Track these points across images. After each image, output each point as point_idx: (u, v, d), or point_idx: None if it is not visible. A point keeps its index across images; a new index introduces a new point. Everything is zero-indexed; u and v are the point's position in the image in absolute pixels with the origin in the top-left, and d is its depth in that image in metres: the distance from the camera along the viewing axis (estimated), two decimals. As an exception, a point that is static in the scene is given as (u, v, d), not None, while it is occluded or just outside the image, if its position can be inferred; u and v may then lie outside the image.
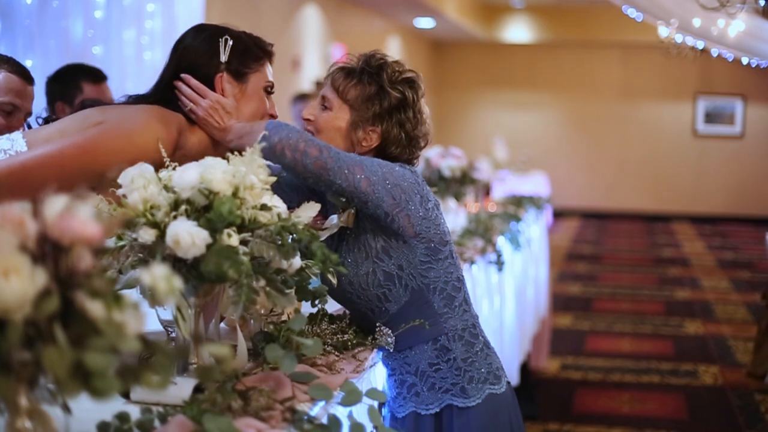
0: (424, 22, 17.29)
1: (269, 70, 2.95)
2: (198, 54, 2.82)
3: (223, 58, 2.81)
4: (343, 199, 2.69)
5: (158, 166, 2.65)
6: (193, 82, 2.78)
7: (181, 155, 2.76)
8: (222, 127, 2.75)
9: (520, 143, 19.09)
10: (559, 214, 18.38)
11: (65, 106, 4.61)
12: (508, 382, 2.89)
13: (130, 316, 1.43)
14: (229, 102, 2.79)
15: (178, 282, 1.44)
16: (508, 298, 5.59)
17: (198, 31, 2.90)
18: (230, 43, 2.83)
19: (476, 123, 20.66)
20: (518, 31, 20.36)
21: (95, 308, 1.40)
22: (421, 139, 2.84)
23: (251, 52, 2.89)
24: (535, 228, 7.36)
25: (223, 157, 2.87)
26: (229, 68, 2.82)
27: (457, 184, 6.06)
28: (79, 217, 1.45)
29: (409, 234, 2.70)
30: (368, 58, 2.83)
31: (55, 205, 1.47)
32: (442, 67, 20.98)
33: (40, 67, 5.26)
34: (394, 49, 17.54)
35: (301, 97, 8.59)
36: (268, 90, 2.92)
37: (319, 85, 12.73)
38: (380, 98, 2.76)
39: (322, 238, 2.74)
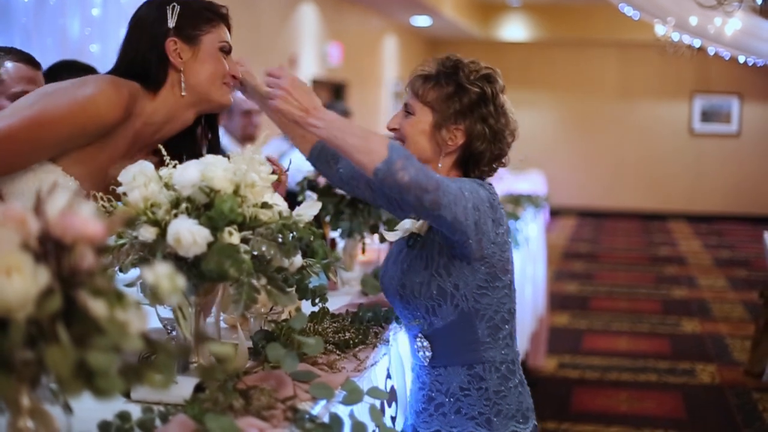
0: (421, 21, 17.28)
1: (225, 33, 2.98)
2: (148, 23, 2.85)
3: (171, 23, 2.83)
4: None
5: (112, 128, 2.71)
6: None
7: (142, 123, 2.82)
8: (303, 107, 2.66)
9: (516, 142, 19.03)
10: (555, 213, 18.36)
11: None
12: (536, 425, 2.86)
13: (133, 315, 1.42)
14: (307, 85, 2.73)
15: (180, 280, 1.43)
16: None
17: (149, 2, 2.91)
18: (177, 8, 2.85)
19: (473, 121, 20.62)
20: (515, 29, 20.36)
21: (98, 307, 1.39)
22: (507, 134, 2.81)
23: (202, 15, 2.92)
24: (533, 227, 7.35)
25: (187, 125, 2.91)
26: (180, 33, 2.85)
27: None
28: (81, 215, 1.44)
29: (475, 256, 2.67)
30: (443, 60, 2.83)
31: (57, 203, 1.46)
32: (438, 65, 20.95)
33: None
34: (390, 48, 17.54)
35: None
36: (225, 50, 2.96)
37: (316, 83, 12.73)
38: (459, 96, 2.75)
39: (392, 240, 2.80)
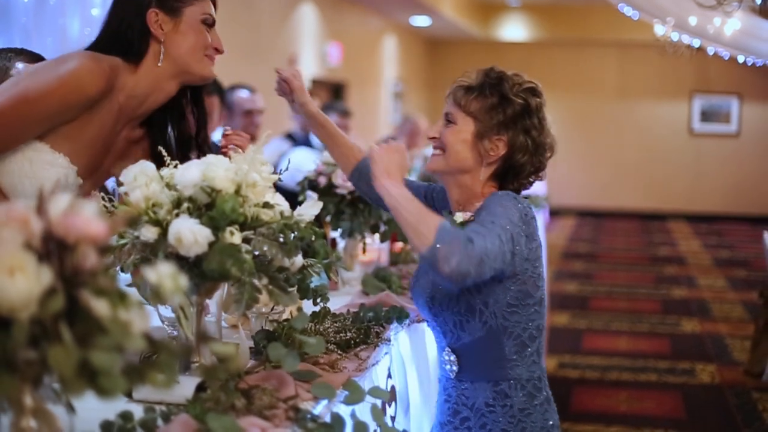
0: (420, 21, 17.29)
1: (209, 6, 2.98)
2: None
3: None
4: (458, 222, 2.71)
5: (95, 101, 2.73)
6: None
7: (125, 96, 2.82)
8: (392, 176, 2.57)
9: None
10: (555, 213, 18.35)
11: None
12: None
13: (135, 315, 1.42)
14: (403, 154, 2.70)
15: (183, 280, 1.43)
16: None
17: None
18: None
19: (472, 121, 20.61)
20: (514, 29, 20.37)
21: (100, 307, 1.39)
22: (547, 147, 2.81)
23: None
24: (533, 226, 7.34)
25: (170, 96, 2.91)
26: (162, 5, 2.85)
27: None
28: (83, 215, 1.44)
29: (507, 273, 2.63)
30: (487, 71, 2.81)
31: (60, 203, 1.46)
32: (437, 65, 20.97)
33: (38, 65, 5.26)
34: (390, 48, 17.54)
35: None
36: (207, 22, 2.95)
37: (315, 82, 12.74)
38: (503, 107, 2.74)
39: None
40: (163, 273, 1.42)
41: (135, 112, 2.89)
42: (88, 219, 1.42)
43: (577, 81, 21.00)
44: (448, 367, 2.79)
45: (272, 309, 2.65)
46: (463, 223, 2.68)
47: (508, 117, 2.72)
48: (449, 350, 2.77)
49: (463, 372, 2.76)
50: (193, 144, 3.03)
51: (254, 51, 10.75)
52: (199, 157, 2.39)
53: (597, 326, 9.53)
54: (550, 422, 2.80)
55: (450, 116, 2.79)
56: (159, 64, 2.84)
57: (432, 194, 3.05)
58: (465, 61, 21.11)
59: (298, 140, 7.73)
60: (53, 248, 1.43)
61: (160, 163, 2.30)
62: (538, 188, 11.40)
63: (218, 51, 2.98)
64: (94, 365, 1.33)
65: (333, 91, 14.32)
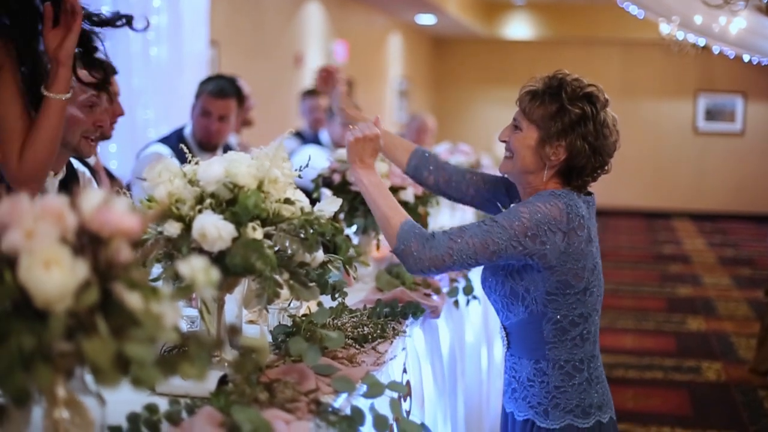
0: (426, 19, 17.31)
1: None
2: None
3: None
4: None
5: None
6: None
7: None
8: (358, 157, 2.90)
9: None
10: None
11: None
12: (601, 422, 2.98)
13: (167, 308, 1.45)
14: (378, 143, 2.96)
15: (215, 274, 1.46)
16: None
17: None
18: None
19: (477, 120, 20.66)
20: (519, 28, 20.37)
21: (134, 300, 1.42)
22: (608, 146, 2.95)
23: None
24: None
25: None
26: None
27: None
28: (116, 209, 1.47)
29: (542, 267, 2.84)
30: (550, 78, 2.95)
31: (93, 198, 1.49)
32: (443, 63, 21.00)
33: (48, 63, 5.27)
34: (395, 46, 17.56)
35: (309, 93, 8.59)
36: None
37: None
38: (561, 115, 2.89)
39: None
40: (196, 267, 1.45)
41: None
42: (121, 213, 1.45)
43: (582, 79, 21.00)
44: (503, 342, 3.06)
45: (289, 304, 2.67)
46: None
47: (566, 125, 2.88)
48: (502, 327, 3.03)
49: (512, 348, 3.03)
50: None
51: (260, 49, 10.78)
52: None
53: (603, 324, 9.43)
54: (588, 402, 2.96)
55: (517, 122, 2.98)
56: None
57: (508, 182, 3.22)
58: (470, 60, 21.16)
59: (306, 138, 7.75)
60: (86, 242, 1.46)
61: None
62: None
63: None
64: (130, 357, 1.35)
65: (339, 89, 14.32)
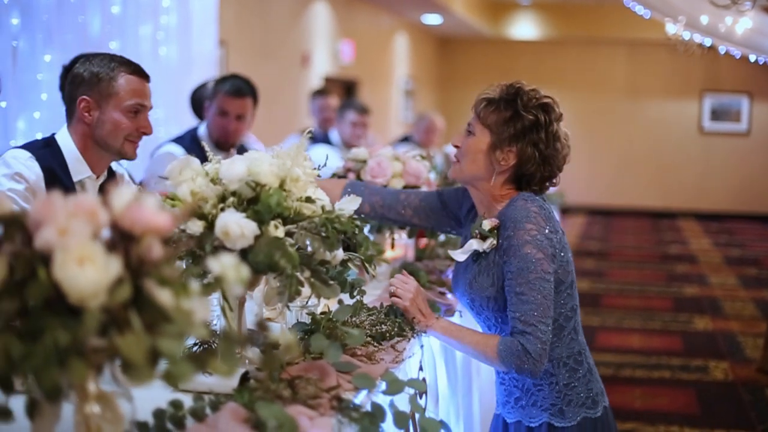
0: (432, 19, 17.32)
1: None
2: None
3: None
4: (487, 229, 2.93)
5: None
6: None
7: None
8: (424, 313, 2.94)
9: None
10: (565, 211, 18.39)
11: None
12: (606, 407, 3.08)
13: (197, 304, 1.47)
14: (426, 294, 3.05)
15: (245, 270, 1.48)
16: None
17: None
18: None
19: (482, 119, 20.59)
20: (525, 27, 20.37)
21: (165, 296, 1.44)
22: (558, 158, 3.02)
23: None
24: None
25: None
26: None
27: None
28: (147, 207, 1.49)
29: (549, 270, 2.89)
30: (507, 87, 3.03)
31: (124, 196, 1.51)
32: (448, 63, 21.02)
33: (59, 62, 5.29)
34: (401, 46, 17.58)
35: (319, 93, 8.62)
36: None
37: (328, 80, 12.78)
38: (515, 121, 2.96)
39: (461, 259, 3.01)
40: (226, 264, 1.47)
41: None
42: (152, 211, 1.47)
43: (588, 79, 21.02)
44: None
45: (307, 302, 2.69)
46: (492, 230, 2.93)
47: (518, 130, 2.96)
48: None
49: None
50: None
51: (267, 48, 10.80)
52: None
53: (610, 323, 9.55)
54: (594, 392, 3.06)
55: (471, 127, 3.06)
56: None
57: (443, 196, 3.33)
58: (476, 60, 21.17)
59: (316, 137, 7.77)
60: (117, 239, 1.47)
61: None
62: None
63: None
64: (163, 352, 1.37)
65: (345, 89, 14.36)
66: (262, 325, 1.50)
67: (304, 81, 12.03)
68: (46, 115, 5.36)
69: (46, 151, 3.29)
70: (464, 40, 20.85)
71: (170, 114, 6.76)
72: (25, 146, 3.37)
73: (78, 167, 3.32)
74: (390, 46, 16.91)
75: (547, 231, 2.88)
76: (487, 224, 2.94)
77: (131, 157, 3.33)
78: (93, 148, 3.33)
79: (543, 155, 2.96)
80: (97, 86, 3.26)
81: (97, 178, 3.37)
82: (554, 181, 3.09)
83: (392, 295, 2.91)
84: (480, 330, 3.06)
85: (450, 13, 15.93)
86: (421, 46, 19.15)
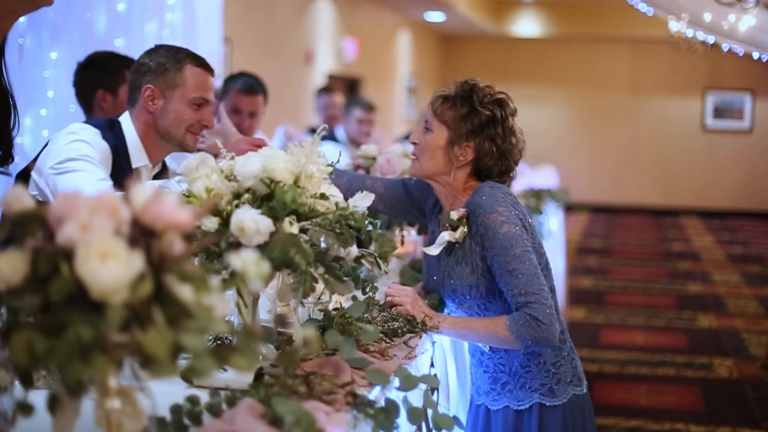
0: (435, 16, 17.33)
1: None
2: None
3: None
4: (455, 219, 2.99)
5: None
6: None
7: None
8: (428, 314, 2.94)
9: (528, 137, 19.05)
10: (568, 208, 18.39)
11: (107, 94, 4.57)
12: (588, 386, 3.18)
13: (217, 300, 1.47)
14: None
15: (266, 266, 1.48)
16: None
17: None
18: None
19: (485, 117, 20.58)
20: (528, 25, 20.37)
21: (186, 292, 1.44)
22: (515, 153, 3.12)
23: None
24: (553, 221, 7.39)
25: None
26: None
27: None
28: (168, 203, 1.49)
29: None
30: (462, 84, 3.11)
31: (144, 192, 1.51)
32: (451, 60, 21.01)
33: (65, 59, 5.31)
34: (404, 43, 17.59)
35: (324, 90, 8.63)
36: None
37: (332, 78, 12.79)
38: (472, 117, 3.04)
39: (435, 253, 3.04)
40: (247, 259, 1.48)
41: None
42: (174, 207, 1.48)
43: (590, 77, 21.02)
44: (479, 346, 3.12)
45: (319, 298, 2.70)
46: (460, 219, 3.00)
47: (475, 126, 3.04)
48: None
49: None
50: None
51: (271, 46, 10.81)
52: None
53: (614, 321, 9.56)
54: (579, 369, 3.16)
55: (428, 123, 3.11)
56: None
57: (409, 186, 3.39)
58: (478, 57, 21.16)
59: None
60: (138, 235, 1.48)
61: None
62: (550, 183, 11.44)
63: None
64: (186, 348, 1.38)
65: (349, 87, 14.37)
66: (281, 320, 1.51)
67: (307, 78, 12.05)
68: (52, 112, 5.36)
69: (110, 133, 3.31)
70: (467, 37, 20.86)
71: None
72: (90, 123, 3.38)
73: (137, 154, 3.34)
74: (393, 43, 16.92)
75: (516, 212, 2.98)
76: (455, 215, 3.02)
77: (192, 150, 3.33)
78: (153, 137, 3.36)
79: (500, 149, 3.06)
80: (163, 76, 3.28)
81: (153, 168, 3.39)
82: (512, 174, 3.18)
83: (392, 305, 2.93)
84: None
85: (453, 10, 15.94)
86: (424, 43, 19.16)
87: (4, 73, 2.84)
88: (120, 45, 6.17)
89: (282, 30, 11.27)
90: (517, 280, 2.87)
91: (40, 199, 3.13)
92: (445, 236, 3.02)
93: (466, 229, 2.99)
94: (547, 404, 3.05)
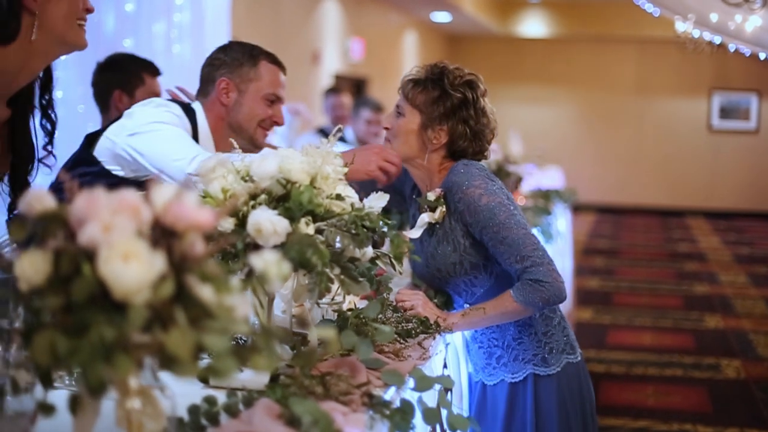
0: (441, 17, 17.34)
1: None
2: None
3: None
4: (433, 199, 3.03)
5: None
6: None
7: None
8: (439, 315, 2.94)
9: (534, 138, 19.09)
10: (574, 209, 18.37)
11: (123, 95, 4.60)
12: (582, 355, 3.21)
13: (238, 300, 1.48)
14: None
15: (287, 267, 1.49)
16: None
17: None
18: None
19: (491, 117, 20.56)
20: (534, 25, 20.37)
21: (207, 292, 1.45)
22: (487, 132, 3.15)
23: None
24: (561, 221, 7.39)
25: (35, 75, 2.68)
26: None
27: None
28: (189, 204, 1.49)
29: None
30: (432, 67, 3.15)
31: (164, 192, 1.51)
32: (457, 61, 20.30)
33: (73, 60, 5.30)
34: (410, 44, 17.59)
35: (332, 91, 8.63)
36: None
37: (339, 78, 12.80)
38: (444, 100, 3.08)
39: (417, 236, 3.06)
40: (269, 260, 1.48)
41: (7, 91, 2.66)
42: (195, 208, 1.48)
43: (596, 77, 21.01)
44: None
45: (333, 298, 2.70)
46: (437, 199, 3.04)
47: (447, 109, 3.08)
48: (469, 306, 3.09)
49: None
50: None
51: (277, 47, 10.79)
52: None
53: (621, 321, 9.56)
54: (571, 337, 3.20)
55: (399, 108, 3.15)
56: (33, 38, 2.55)
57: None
58: (484, 57, 21.16)
59: (329, 134, 7.78)
60: (160, 236, 1.48)
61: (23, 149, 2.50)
62: (556, 183, 11.43)
63: (89, 10, 2.73)
64: (209, 348, 1.38)
65: (355, 87, 14.37)
66: (303, 321, 1.51)
67: (314, 79, 12.05)
68: (61, 112, 5.29)
69: (187, 117, 3.36)
70: (473, 37, 20.86)
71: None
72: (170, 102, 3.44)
73: (206, 143, 3.38)
74: (399, 43, 16.93)
75: (495, 185, 3.02)
76: (432, 195, 3.06)
77: (261, 145, 3.35)
78: (224, 130, 3.40)
79: (473, 131, 3.10)
80: (239, 70, 3.36)
81: None
82: (485, 154, 3.21)
83: (405, 310, 2.94)
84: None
85: (459, 10, 15.95)
86: (430, 43, 19.16)
87: (31, 122, 2.79)
88: (128, 45, 6.18)
89: (289, 30, 11.28)
90: (509, 248, 2.91)
91: (110, 167, 3.21)
92: (425, 218, 3.07)
93: (444, 209, 3.03)
94: (541, 374, 3.09)
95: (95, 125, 4.87)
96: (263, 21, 10.41)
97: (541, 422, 3.10)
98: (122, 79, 4.64)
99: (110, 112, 4.65)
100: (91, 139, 3.31)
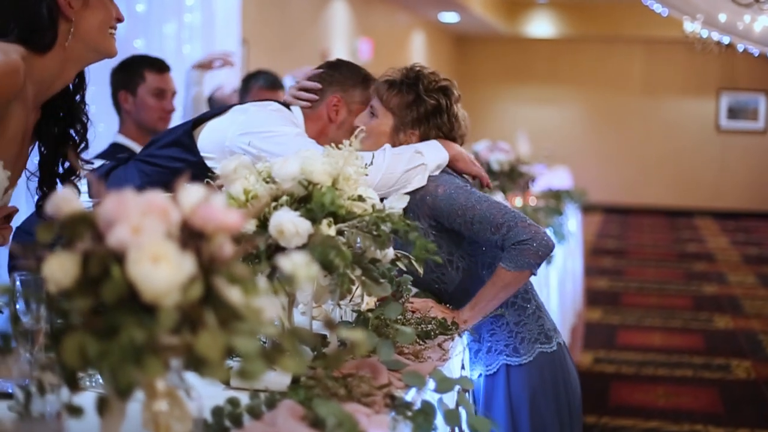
0: (449, 17, 17.35)
1: None
2: None
3: None
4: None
5: (14, 96, 2.56)
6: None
7: (35, 83, 2.63)
8: (450, 314, 2.94)
9: (542, 138, 19.07)
10: (582, 209, 18.35)
11: (128, 95, 4.69)
12: (560, 343, 3.17)
13: (266, 302, 1.48)
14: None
15: (315, 268, 1.49)
16: (552, 290, 5.64)
17: None
18: None
19: (499, 117, 20.63)
20: (541, 26, 20.36)
21: (235, 294, 1.45)
22: (456, 138, 3.19)
23: None
24: (572, 221, 7.39)
25: (69, 82, 2.74)
26: None
27: (505, 178, 6.13)
28: (217, 206, 1.49)
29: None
30: (407, 70, 3.17)
31: (192, 195, 1.52)
32: (465, 61, 21.00)
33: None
34: (418, 44, 17.59)
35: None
36: None
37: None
38: (417, 105, 3.11)
39: None
40: (297, 262, 1.48)
41: (44, 97, 2.71)
42: (223, 210, 1.48)
43: (604, 77, 21.00)
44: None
45: (351, 299, 2.70)
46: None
47: (421, 114, 3.11)
48: (442, 304, 3.07)
49: None
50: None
51: (286, 47, 10.83)
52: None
53: (630, 322, 9.56)
54: (546, 327, 3.16)
55: (373, 110, 3.17)
56: (66, 44, 2.63)
57: None
58: (492, 58, 21.17)
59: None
60: (188, 238, 1.48)
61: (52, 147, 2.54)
62: (564, 184, 11.43)
63: (119, 20, 2.76)
64: (239, 350, 1.38)
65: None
66: (330, 323, 1.51)
67: (323, 79, 12.05)
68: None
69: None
70: (481, 38, 20.85)
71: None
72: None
73: None
74: (407, 44, 16.94)
75: (450, 176, 3.06)
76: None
77: None
78: (323, 143, 3.38)
79: (446, 138, 3.12)
80: (352, 91, 3.38)
81: None
82: None
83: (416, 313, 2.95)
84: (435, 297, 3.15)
85: (467, 11, 15.96)
86: (437, 44, 19.16)
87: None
88: (139, 45, 6.20)
89: (297, 31, 11.30)
90: (481, 224, 2.91)
91: (207, 154, 3.24)
92: None
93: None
94: (513, 364, 3.08)
95: (106, 126, 4.90)
96: (273, 22, 10.43)
97: (514, 413, 3.08)
98: (125, 80, 4.77)
99: (122, 114, 4.75)
100: (197, 124, 3.30)
